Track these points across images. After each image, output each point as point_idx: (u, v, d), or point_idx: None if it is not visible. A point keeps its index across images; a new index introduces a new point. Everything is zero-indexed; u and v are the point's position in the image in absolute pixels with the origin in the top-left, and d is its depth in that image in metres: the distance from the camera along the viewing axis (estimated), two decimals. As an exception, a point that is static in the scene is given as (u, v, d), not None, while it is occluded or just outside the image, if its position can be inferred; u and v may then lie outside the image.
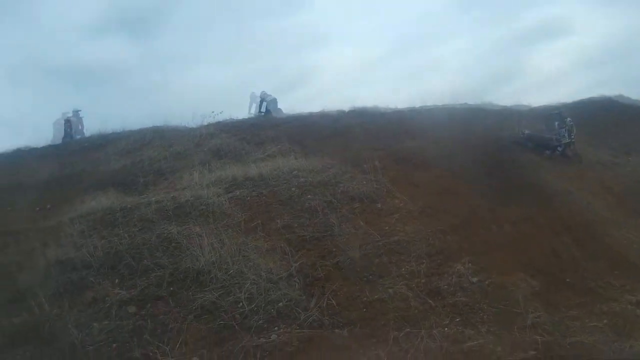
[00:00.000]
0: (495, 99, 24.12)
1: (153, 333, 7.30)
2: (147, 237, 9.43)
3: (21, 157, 16.31)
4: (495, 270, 8.87)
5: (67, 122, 18.70)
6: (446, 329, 7.28)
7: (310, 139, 15.54)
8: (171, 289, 8.16)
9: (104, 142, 16.71)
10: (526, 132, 17.86)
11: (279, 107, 20.62)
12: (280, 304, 7.70)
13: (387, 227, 9.90)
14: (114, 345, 7.16)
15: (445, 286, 8.28)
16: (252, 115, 20.13)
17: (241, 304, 7.70)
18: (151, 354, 6.93)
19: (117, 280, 8.45)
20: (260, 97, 20.78)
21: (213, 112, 18.23)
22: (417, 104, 21.03)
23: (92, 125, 19.31)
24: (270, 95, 20.82)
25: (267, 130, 16.19)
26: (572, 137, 17.77)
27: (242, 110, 21.66)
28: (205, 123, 17.74)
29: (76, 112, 19.24)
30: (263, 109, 20.41)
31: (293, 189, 11.10)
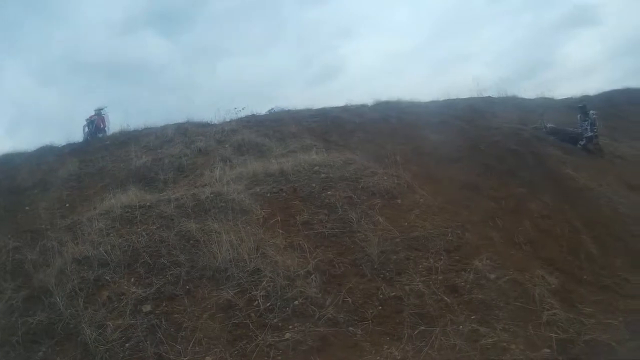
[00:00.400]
0: (523, 91, 24.14)
1: (167, 332, 7.41)
2: (165, 235, 9.53)
3: (44, 156, 16.40)
4: (513, 267, 8.87)
5: (90, 122, 18.48)
6: (461, 326, 7.29)
7: (332, 134, 15.60)
8: (187, 287, 8.25)
9: (127, 140, 16.74)
10: (549, 125, 17.91)
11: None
12: (296, 301, 7.77)
13: (406, 223, 9.93)
14: (127, 344, 7.28)
15: (462, 283, 8.29)
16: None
17: (257, 302, 7.79)
18: (164, 353, 7.05)
19: (133, 279, 8.56)
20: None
21: (236, 108, 18.47)
22: (443, 96, 21.02)
23: (120, 121, 19.42)
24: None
25: (290, 126, 16.22)
26: (596, 130, 17.82)
27: (274, 104, 21.50)
28: (228, 119, 17.83)
29: (99, 111, 19.03)
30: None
31: (313, 184, 11.14)
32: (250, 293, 7.96)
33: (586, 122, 17.84)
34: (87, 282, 8.58)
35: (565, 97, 23.61)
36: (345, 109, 18.42)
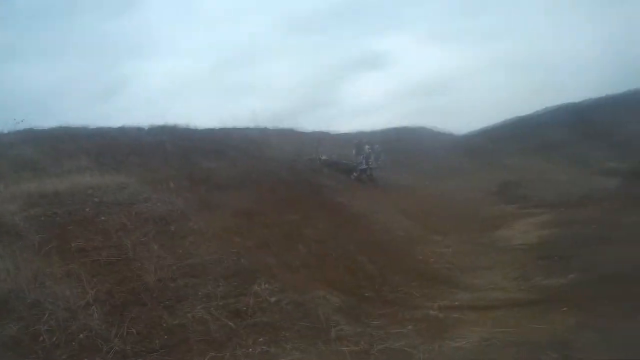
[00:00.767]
0: (301, 125, 25.41)
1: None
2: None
3: None
4: (293, 289, 8.89)
5: None
6: (250, 349, 7.12)
7: (107, 156, 14.99)
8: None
9: None
10: (323, 157, 18.58)
11: None
12: (81, 335, 7.08)
13: (181, 250, 9.60)
14: None
15: (244, 307, 8.10)
16: None
17: (42, 337, 6.95)
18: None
19: None
20: None
21: (15, 119, 16.62)
22: (220, 125, 21.46)
23: None
24: None
25: (66, 144, 15.31)
26: (370, 163, 18.90)
27: (55, 117, 20.05)
28: (6, 131, 16.35)
29: None
30: None
31: (87, 209, 10.48)
32: (33, 327, 7.09)
33: (361, 156, 18.78)
34: None
35: (342, 132, 25.11)
36: (122, 130, 18.04)
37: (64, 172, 12.99)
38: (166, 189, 11.83)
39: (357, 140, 20.21)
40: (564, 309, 7.89)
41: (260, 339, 7.35)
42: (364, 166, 18.83)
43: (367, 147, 19.36)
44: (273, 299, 8.40)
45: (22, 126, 16.86)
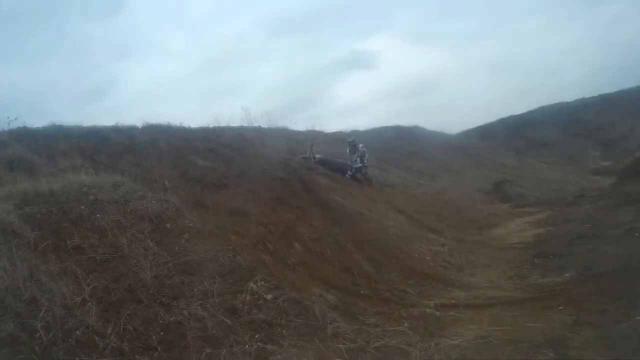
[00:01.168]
0: (293, 124, 25.39)
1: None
2: None
3: None
4: (289, 287, 8.99)
5: None
6: (247, 346, 7.21)
7: (102, 155, 14.94)
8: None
9: None
10: (317, 156, 18.60)
11: None
12: (78, 332, 7.13)
13: (177, 248, 9.65)
14: None
15: (240, 304, 8.22)
16: None
17: (38, 334, 6.97)
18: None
19: None
20: None
21: (8, 117, 16.49)
22: (213, 124, 21.40)
23: None
24: None
25: (60, 143, 15.20)
26: (365, 161, 18.97)
27: (46, 117, 19.83)
28: None
29: None
30: None
31: (82, 207, 10.44)
32: (30, 324, 7.10)
33: (355, 155, 18.83)
34: None
35: (335, 131, 25.09)
36: (116, 129, 17.76)
37: (59, 170, 12.94)
38: (161, 187, 11.83)
39: (351, 139, 20.20)
40: (561, 307, 7.98)
41: (257, 336, 7.47)
42: (359, 164, 18.90)
43: (361, 145, 19.41)
44: (269, 296, 8.52)
45: (15, 125, 16.75)
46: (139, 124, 18.88)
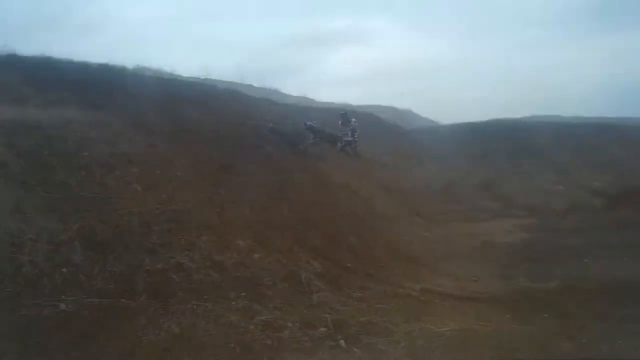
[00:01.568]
0: (283, 87, 25.19)
1: None
2: None
3: None
4: (276, 249, 9.00)
5: None
6: (233, 302, 7.20)
7: (93, 91, 14.20)
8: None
9: None
10: (308, 123, 18.38)
11: None
12: (64, 269, 7.03)
13: (164, 195, 9.54)
14: None
15: (227, 260, 8.20)
16: None
17: (24, 268, 6.87)
18: None
19: None
20: None
21: None
22: (208, 75, 21.63)
23: None
24: None
25: (50, 75, 14.42)
26: (355, 136, 18.79)
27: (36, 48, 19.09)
28: None
29: None
30: None
31: (70, 142, 10.17)
32: (15, 258, 6.96)
33: (347, 128, 18.64)
34: None
35: (327, 101, 24.90)
36: (107, 67, 17.24)
37: (49, 102, 12.46)
38: (150, 132, 11.68)
39: (343, 112, 20.01)
40: (545, 315, 8.02)
41: (243, 294, 7.44)
42: (350, 138, 18.75)
43: (353, 120, 19.24)
44: (256, 256, 8.52)
45: (4, 51, 16.15)
46: (130, 64, 18.72)
